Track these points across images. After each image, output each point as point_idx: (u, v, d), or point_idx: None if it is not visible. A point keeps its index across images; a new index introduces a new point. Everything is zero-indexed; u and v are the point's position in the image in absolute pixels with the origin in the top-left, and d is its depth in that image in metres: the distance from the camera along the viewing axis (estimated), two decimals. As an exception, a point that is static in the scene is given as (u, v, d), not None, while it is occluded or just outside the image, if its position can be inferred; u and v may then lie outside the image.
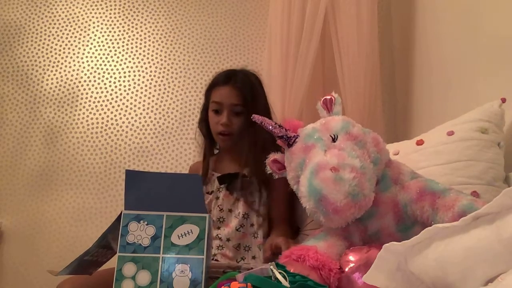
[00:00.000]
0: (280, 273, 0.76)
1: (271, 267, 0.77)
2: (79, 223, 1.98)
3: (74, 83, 2.12)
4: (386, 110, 1.96)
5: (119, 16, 2.20)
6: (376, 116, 1.82)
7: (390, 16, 2.15)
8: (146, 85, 2.14)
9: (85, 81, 2.13)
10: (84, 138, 2.07)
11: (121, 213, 0.94)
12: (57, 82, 2.12)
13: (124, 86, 2.13)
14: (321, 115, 1.14)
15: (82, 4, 2.20)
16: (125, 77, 2.14)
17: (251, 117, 1.12)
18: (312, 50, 1.81)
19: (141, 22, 2.20)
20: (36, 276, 1.91)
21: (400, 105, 2.01)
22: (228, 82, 1.39)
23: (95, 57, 2.15)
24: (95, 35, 2.17)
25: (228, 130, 1.37)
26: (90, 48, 2.16)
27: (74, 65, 2.14)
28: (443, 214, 0.93)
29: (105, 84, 2.13)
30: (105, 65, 2.15)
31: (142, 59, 2.16)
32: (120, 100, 2.12)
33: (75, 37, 2.17)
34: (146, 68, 2.15)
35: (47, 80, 2.12)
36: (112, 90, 2.13)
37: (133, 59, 2.16)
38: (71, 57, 2.15)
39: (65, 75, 2.13)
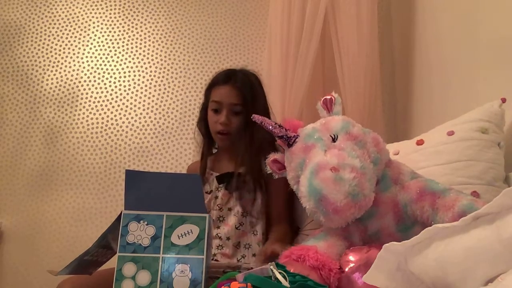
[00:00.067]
0: (280, 273, 0.76)
1: (271, 267, 0.77)
2: (79, 223, 1.98)
3: (74, 83, 2.12)
4: (386, 110, 1.96)
5: (119, 16, 2.20)
6: (376, 116, 1.82)
7: (390, 16, 2.15)
8: (146, 85, 2.14)
9: (85, 81, 2.13)
10: (84, 138, 2.07)
11: (121, 213, 0.94)
12: (57, 82, 2.12)
13: (124, 86, 2.13)
14: (321, 115, 1.14)
15: (82, 4, 2.20)
16: (125, 77, 2.14)
17: (251, 117, 1.12)
18: (312, 50, 1.81)
19: (141, 22, 2.20)
20: (36, 276, 1.91)
21: (400, 105, 2.01)
22: (228, 82, 1.40)
23: (95, 57, 2.15)
24: (95, 35, 2.17)
25: (227, 129, 1.37)
26: (90, 48, 2.16)
27: (74, 65, 2.14)
28: (443, 214, 0.93)
29: (105, 84, 2.13)
30: (105, 65, 2.15)
31: (142, 59, 2.16)
32: (120, 100, 2.12)
33: (75, 37, 2.17)
34: (146, 68, 2.15)
35: (47, 80, 2.12)
36: (112, 90, 2.13)
37: (133, 59, 2.16)
38: (71, 57, 2.15)
39: (65, 75, 2.13)
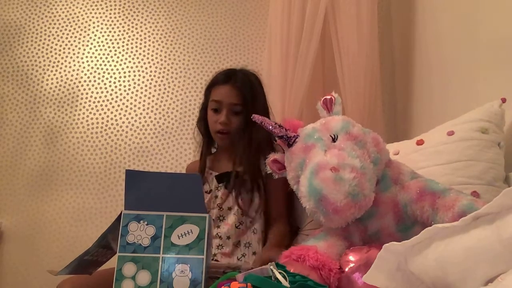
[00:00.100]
0: (280, 273, 0.76)
1: (271, 267, 0.77)
2: (79, 223, 1.98)
3: (74, 83, 2.12)
4: (386, 110, 1.96)
5: (119, 16, 2.20)
6: (376, 116, 1.82)
7: (390, 16, 2.15)
8: (146, 85, 2.14)
9: (85, 81, 2.13)
10: (84, 138, 2.07)
11: (121, 213, 0.94)
12: (57, 82, 2.12)
13: (124, 86, 2.13)
14: (321, 115, 1.14)
15: (82, 4, 2.20)
16: (125, 77, 2.14)
17: (251, 117, 1.12)
18: (312, 50, 1.81)
19: (141, 22, 2.20)
20: (36, 276, 1.91)
21: (400, 105, 2.01)
22: (228, 81, 1.40)
23: (95, 57, 2.15)
24: (95, 35, 2.17)
25: (226, 129, 1.37)
26: (90, 48, 2.16)
27: (74, 65, 2.14)
28: (443, 214, 0.93)
29: (105, 84, 2.13)
30: (105, 65, 2.15)
31: (142, 59, 2.16)
32: (120, 100, 2.12)
33: (75, 37, 2.17)
34: (146, 68, 2.15)
35: (47, 80, 2.12)
36: (112, 90, 2.13)
37: (133, 59, 2.16)
38: (71, 57, 2.15)
39: (65, 75, 2.13)
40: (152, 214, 0.92)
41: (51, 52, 2.15)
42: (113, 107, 2.11)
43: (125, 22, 2.19)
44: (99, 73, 2.14)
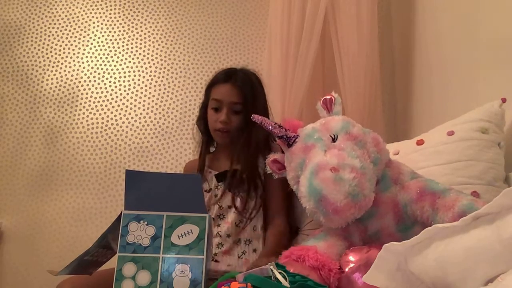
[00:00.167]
0: (280, 273, 0.76)
1: (271, 267, 0.77)
2: (79, 223, 1.98)
3: (74, 83, 2.12)
4: (386, 110, 1.96)
5: (119, 16, 2.20)
6: (376, 116, 1.82)
7: (390, 16, 2.15)
8: (146, 85, 2.14)
9: (85, 81, 2.13)
10: (84, 138, 2.06)
11: (121, 213, 0.94)
12: (57, 82, 2.12)
13: (124, 86, 2.13)
14: (321, 115, 1.14)
15: (82, 4, 2.20)
16: (125, 77, 2.14)
17: (251, 117, 1.13)
18: (312, 50, 1.81)
19: (141, 22, 2.20)
20: (36, 276, 1.91)
21: (400, 105, 2.01)
22: (228, 80, 1.40)
23: (95, 57, 2.15)
24: (95, 35, 2.17)
25: (226, 127, 1.37)
26: (90, 48, 2.16)
27: (74, 65, 2.14)
28: (443, 214, 0.93)
29: (105, 84, 2.13)
30: (105, 65, 2.15)
31: (142, 59, 2.16)
32: (120, 100, 2.12)
33: (75, 37, 2.17)
34: (146, 68, 2.15)
35: (47, 80, 2.12)
36: (112, 90, 2.13)
37: (133, 59, 2.16)
38: (71, 57, 2.15)
39: (65, 75, 2.13)
40: (152, 214, 0.92)
41: (51, 52, 2.15)
42: (113, 107, 2.11)
43: (125, 22, 2.19)
44: (99, 73, 2.14)
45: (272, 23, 1.96)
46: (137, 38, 2.18)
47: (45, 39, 2.16)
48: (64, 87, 2.11)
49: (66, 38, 2.16)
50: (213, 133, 1.43)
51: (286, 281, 0.75)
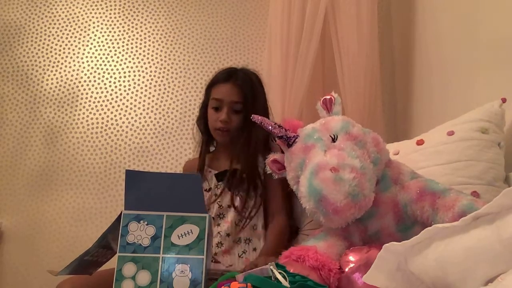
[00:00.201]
0: (280, 273, 0.76)
1: (271, 267, 0.77)
2: (79, 223, 1.98)
3: (74, 83, 2.12)
4: (386, 110, 1.96)
5: (119, 16, 2.20)
6: (376, 116, 1.82)
7: (390, 16, 2.15)
8: (146, 85, 2.14)
9: (85, 81, 2.13)
10: (84, 138, 2.06)
11: (121, 213, 0.94)
12: (57, 82, 2.12)
13: (124, 86, 2.13)
14: (321, 115, 1.14)
15: (82, 4, 2.20)
16: (125, 77, 2.14)
17: (251, 117, 1.13)
18: (312, 50, 1.81)
19: (141, 22, 2.20)
20: (36, 276, 1.91)
21: (400, 105, 2.01)
22: (229, 80, 1.40)
23: (95, 57, 2.15)
24: (95, 35, 2.17)
25: (227, 127, 1.38)
26: (90, 48, 2.16)
27: (74, 65, 2.14)
28: (443, 214, 0.93)
29: (105, 84, 2.13)
30: (105, 65, 2.15)
31: (142, 59, 2.16)
32: (120, 100, 2.12)
33: (75, 37, 2.17)
34: (146, 68, 2.15)
35: (47, 80, 2.12)
36: (112, 90, 2.13)
37: (133, 59, 2.16)
38: (71, 57, 2.15)
39: (65, 75, 2.13)
40: (152, 214, 0.92)
41: (51, 52, 2.15)
42: (113, 107, 2.11)
43: (125, 22, 2.19)
44: (99, 73, 2.14)
45: (272, 23, 1.96)
46: (137, 38, 2.18)
47: (45, 39, 2.16)
48: (64, 87, 2.11)
49: (66, 38, 2.16)
50: (213, 132, 1.43)
51: (286, 281, 0.75)
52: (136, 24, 2.19)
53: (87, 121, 2.08)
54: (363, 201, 0.93)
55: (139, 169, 2.03)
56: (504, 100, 1.15)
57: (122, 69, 2.15)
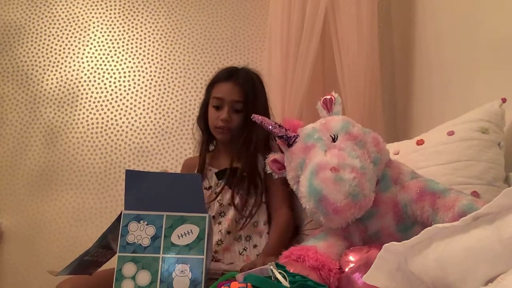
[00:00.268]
0: (280, 273, 0.76)
1: (271, 267, 0.77)
2: (79, 223, 1.98)
3: (74, 83, 2.12)
4: (386, 110, 1.96)
5: (119, 16, 2.20)
6: (376, 116, 1.82)
7: (390, 16, 2.15)
8: (146, 85, 2.14)
9: (85, 81, 2.13)
10: (84, 138, 2.06)
11: (121, 213, 0.94)
12: (57, 82, 2.12)
13: (124, 86, 2.13)
14: (321, 115, 1.14)
15: (82, 4, 2.20)
16: (125, 77, 2.14)
17: (251, 117, 1.13)
18: (312, 50, 1.81)
19: (141, 22, 2.20)
20: (36, 276, 1.91)
21: (400, 105, 2.01)
22: (230, 79, 1.40)
23: (95, 57, 2.15)
24: (95, 35, 2.17)
25: (227, 126, 1.38)
26: (90, 48, 2.16)
27: (74, 65, 2.14)
28: (443, 214, 0.93)
29: (105, 84, 2.13)
30: (105, 65, 2.15)
31: (142, 59, 2.16)
32: (120, 100, 2.12)
33: (75, 37, 2.17)
34: (146, 68, 2.15)
35: (47, 80, 2.12)
36: (112, 90, 2.13)
37: (133, 59, 2.16)
38: (71, 57, 2.15)
39: (65, 75, 2.13)
40: (152, 214, 0.92)
41: (51, 52, 2.15)
42: (113, 107, 2.11)
43: (125, 22, 2.19)
44: (99, 73, 2.14)
45: (272, 23, 1.96)
46: (137, 38, 2.18)
47: (45, 39, 2.16)
48: (64, 87, 2.11)
49: (66, 38, 2.16)
50: (213, 131, 1.43)
51: (286, 281, 0.75)
52: (136, 24, 2.19)
53: (87, 121, 2.08)
54: (363, 201, 0.93)
55: (139, 169, 2.03)
56: (504, 100, 1.15)
57: (122, 69, 2.15)
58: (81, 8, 2.20)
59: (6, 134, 2.05)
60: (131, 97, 2.12)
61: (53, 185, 2.01)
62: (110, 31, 2.18)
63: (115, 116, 2.10)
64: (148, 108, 2.11)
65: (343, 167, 0.93)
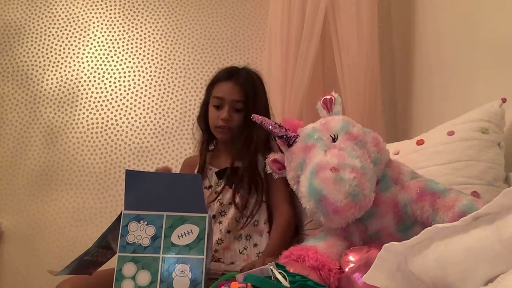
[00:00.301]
0: (280, 273, 0.76)
1: (271, 267, 0.77)
2: (79, 223, 1.98)
3: (74, 83, 2.12)
4: (386, 110, 1.96)
5: (119, 16, 2.20)
6: (376, 116, 1.82)
7: (390, 16, 2.15)
8: (146, 85, 2.14)
9: (85, 81, 2.13)
10: (84, 138, 2.06)
11: (121, 213, 0.94)
12: (57, 82, 2.12)
13: (124, 86, 2.13)
14: (321, 115, 1.14)
15: (82, 4, 2.20)
16: (125, 77, 2.14)
17: (251, 117, 1.13)
18: (312, 50, 1.81)
19: (141, 22, 2.20)
20: (36, 276, 1.91)
21: (400, 105, 2.01)
22: (230, 78, 1.40)
23: (95, 57, 2.15)
24: (95, 35, 2.17)
25: (228, 125, 1.38)
26: (90, 48, 2.16)
27: (74, 65, 2.14)
28: (443, 214, 0.93)
29: (105, 84, 2.13)
30: (105, 65, 2.15)
31: (142, 59, 2.16)
32: (120, 100, 2.12)
33: (75, 37, 2.17)
34: (146, 68, 2.15)
35: (47, 80, 2.12)
36: (112, 90, 2.13)
37: (133, 59, 2.16)
38: (71, 57, 2.15)
39: (65, 75, 2.13)
40: (152, 214, 0.92)
41: (51, 52, 2.15)
42: (113, 107, 2.11)
43: (125, 22, 2.19)
44: (99, 73, 2.14)
45: (272, 23, 1.96)
46: (137, 38, 2.18)
47: (45, 39, 2.16)
48: (64, 87, 2.11)
49: (66, 38, 2.16)
50: (213, 130, 1.43)
51: (286, 281, 0.75)
52: (136, 24, 2.19)
53: (87, 121, 2.08)
54: (363, 201, 0.93)
55: (139, 169, 2.03)
56: (504, 100, 1.15)
57: (122, 69, 2.15)
58: (81, 8, 2.19)
59: (6, 134, 2.05)
60: (131, 97, 2.12)
61: (53, 185, 2.01)
62: (110, 31, 2.18)
63: (115, 116, 2.10)
64: (148, 108, 2.11)
65: (343, 167, 0.93)
